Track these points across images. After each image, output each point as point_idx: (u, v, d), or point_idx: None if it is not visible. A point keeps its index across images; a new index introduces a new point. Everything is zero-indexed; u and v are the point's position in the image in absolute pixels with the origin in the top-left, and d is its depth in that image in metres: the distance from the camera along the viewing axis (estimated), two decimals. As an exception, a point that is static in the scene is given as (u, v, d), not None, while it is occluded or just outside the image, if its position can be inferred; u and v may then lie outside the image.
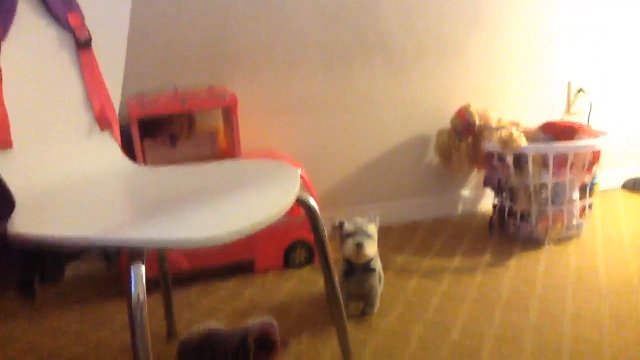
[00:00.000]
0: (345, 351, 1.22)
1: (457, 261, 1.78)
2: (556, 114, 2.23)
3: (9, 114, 1.00)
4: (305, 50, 1.91)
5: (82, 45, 1.15)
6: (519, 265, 1.73)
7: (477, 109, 1.99)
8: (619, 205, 2.18)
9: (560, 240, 1.87)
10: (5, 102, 1.00)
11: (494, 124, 1.97)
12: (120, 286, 1.74)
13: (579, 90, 2.22)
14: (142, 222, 0.83)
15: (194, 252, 1.68)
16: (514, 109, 2.17)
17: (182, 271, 1.69)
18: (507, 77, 2.14)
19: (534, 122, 2.08)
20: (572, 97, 2.23)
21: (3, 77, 1.00)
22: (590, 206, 1.91)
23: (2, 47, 1.01)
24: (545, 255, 1.79)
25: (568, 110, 2.25)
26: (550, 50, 2.15)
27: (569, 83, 2.21)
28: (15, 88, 1.03)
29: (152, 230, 0.78)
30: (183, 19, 1.78)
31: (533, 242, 1.87)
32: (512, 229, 1.95)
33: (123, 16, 1.23)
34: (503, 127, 1.91)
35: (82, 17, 1.15)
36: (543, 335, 1.36)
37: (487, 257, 1.80)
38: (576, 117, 2.22)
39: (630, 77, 2.26)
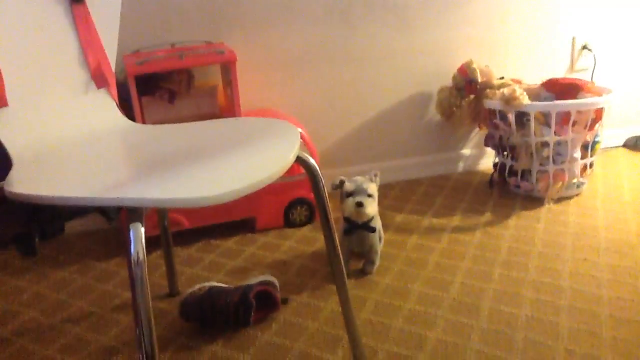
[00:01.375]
0: (345, 308, 1.23)
1: (457, 219, 1.79)
2: (560, 71, 2.20)
3: (3, 71, 0.98)
4: (305, 1, 1.86)
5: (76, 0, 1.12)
6: (518, 223, 1.73)
7: (480, 66, 1.95)
8: (620, 163, 2.17)
9: (561, 199, 1.87)
10: (-1, 59, 0.98)
11: (496, 81, 1.94)
12: (121, 241, 1.75)
13: (583, 47, 2.18)
14: (140, 181, 0.82)
15: (194, 211, 1.68)
16: (516, 65, 2.14)
17: (183, 229, 1.69)
18: (510, 33, 2.10)
19: (536, 79, 2.05)
20: (576, 54, 2.19)
21: (-5, 33, 0.98)
22: (591, 165, 1.90)
23: (-8, 1, 0.99)
24: (545, 213, 1.79)
25: (572, 66, 2.22)
26: (554, 5, 2.10)
27: (573, 39, 2.17)
28: (8, 45, 1.01)
29: (151, 189, 0.77)
30: (179, -28, 1.74)
31: (533, 201, 1.87)
32: (513, 187, 1.95)
33: (117, -31, 1.20)
34: (505, 85, 1.88)
35: (74, -30, 1.12)
36: (542, 291, 1.37)
37: (487, 216, 1.80)
38: (580, 74, 2.19)
39: (635, 35, 2.22)
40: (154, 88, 1.65)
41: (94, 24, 1.16)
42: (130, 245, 0.71)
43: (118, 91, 1.22)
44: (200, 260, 1.62)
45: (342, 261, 1.17)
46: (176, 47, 1.72)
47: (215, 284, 1.37)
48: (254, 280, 1.35)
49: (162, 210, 1.37)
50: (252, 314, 1.26)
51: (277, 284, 1.37)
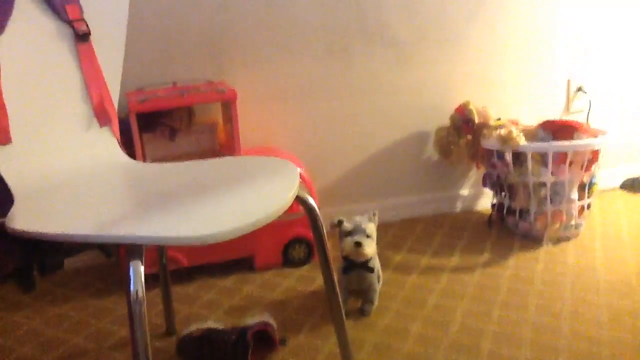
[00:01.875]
0: (344, 348, 1.22)
1: (455, 259, 1.78)
2: (555, 112, 2.23)
3: (8, 108, 1.00)
4: (304, 39, 1.89)
5: (81, 38, 1.15)
6: (517, 263, 1.73)
7: (476, 107, 1.98)
8: (617, 205, 2.18)
9: (559, 240, 1.87)
10: (4, 96, 0.99)
11: (493, 122, 1.96)
12: (120, 278, 1.74)
13: (578, 89, 2.22)
14: (140, 218, 0.82)
15: (193, 248, 1.67)
16: (513, 106, 2.17)
17: (181, 267, 1.68)
18: (507, 74, 2.13)
19: (533, 120, 2.08)
20: (571, 96, 2.23)
21: (1, 72, 0.99)
22: (589, 206, 1.91)
23: (0, 40, 1.01)
24: (544, 253, 1.79)
25: (567, 108, 2.25)
26: (550, 48, 2.15)
27: (568, 81, 2.21)
28: (14, 82, 1.03)
29: (151, 226, 0.78)
30: (181, 12, 1.77)
31: (532, 241, 1.87)
32: (511, 227, 1.95)
33: (122, 9, 1.22)
34: (502, 125, 1.91)
35: (81, 10, 1.15)
36: (541, 332, 1.36)
37: (485, 255, 1.80)
38: (575, 116, 2.22)
39: (629, 77, 2.26)
40: (154, 125, 1.66)
41: (98, 62, 1.18)
42: (129, 282, 0.71)
43: (119, 127, 1.23)
44: (198, 298, 1.61)
45: (341, 301, 1.16)
46: (178, 85, 1.74)
47: (213, 323, 1.36)
48: (252, 319, 1.34)
49: (161, 247, 1.37)
50: (250, 354, 1.25)
51: (275, 324, 1.35)
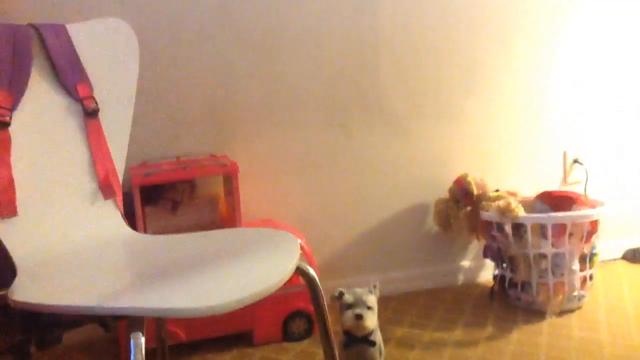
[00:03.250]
0: None
1: (458, 333, 1.75)
2: (553, 184, 2.26)
3: (16, 180, 1.02)
4: (305, 113, 1.95)
5: (90, 115, 1.19)
6: (521, 337, 1.70)
7: (475, 179, 2.01)
8: (620, 276, 2.16)
9: (563, 312, 1.85)
10: (13, 170, 1.02)
11: (491, 194, 1.99)
12: (118, 352, 1.70)
13: (575, 161, 2.26)
14: (141, 290, 0.83)
15: (191, 322, 1.65)
16: (511, 178, 2.20)
17: (179, 341, 1.65)
18: (504, 145, 2.18)
19: (531, 192, 2.10)
20: (568, 167, 2.26)
21: (13, 146, 1.03)
22: (590, 277, 1.90)
23: (13, 116, 1.04)
24: (548, 326, 1.76)
25: (564, 179, 2.28)
26: (545, 120, 2.21)
27: (564, 153, 2.25)
28: (23, 155, 1.06)
29: (151, 298, 0.78)
30: (186, 89, 1.84)
31: (535, 314, 1.85)
32: (514, 300, 1.93)
33: (130, 87, 1.27)
34: (501, 197, 1.93)
35: (91, 88, 1.19)
36: (548, 411, 1.32)
37: (488, 329, 1.77)
38: (573, 187, 2.25)
39: (624, 148, 2.30)
40: (157, 197, 1.69)
41: (105, 137, 1.21)
42: (130, 354, 0.70)
43: (123, 199, 1.25)
44: (196, 374, 1.57)
45: (342, 376, 1.14)
46: (181, 159, 1.78)
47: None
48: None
49: (161, 321, 1.36)
50: None
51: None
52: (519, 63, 2.14)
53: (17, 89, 1.06)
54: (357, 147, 2.03)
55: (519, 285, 1.88)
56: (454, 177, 2.06)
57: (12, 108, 1.05)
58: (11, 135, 1.03)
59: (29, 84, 1.09)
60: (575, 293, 1.85)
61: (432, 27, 2.04)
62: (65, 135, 1.15)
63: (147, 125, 1.82)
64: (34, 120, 1.10)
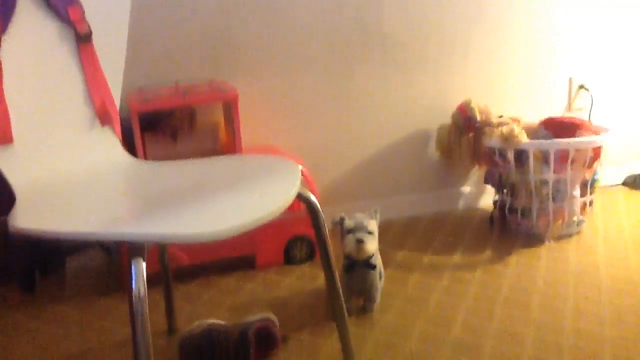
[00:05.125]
0: (346, 346, 1.22)
1: (457, 257, 1.78)
2: (557, 110, 2.23)
3: (10, 108, 1.00)
4: (306, 44, 1.90)
5: (83, 39, 1.15)
6: (519, 261, 1.73)
7: (478, 105, 1.98)
8: (619, 202, 2.18)
9: (561, 237, 1.87)
10: (6, 97, 1.00)
11: (494, 119, 1.96)
12: (121, 278, 1.74)
13: (580, 87, 2.21)
14: (142, 217, 0.83)
15: (194, 247, 1.68)
16: (515, 104, 2.17)
17: (183, 266, 1.69)
18: (508, 73, 2.13)
19: (535, 118, 2.08)
20: (573, 93, 2.23)
21: (3, 72, 1.00)
22: (590, 203, 1.91)
23: (2, 41, 1.01)
24: (546, 252, 1.79)
25: (569, 106, 2.24)
26: (552, 46, 2.15)
27: (570, 79, 2.21)
28: (16, 82, 1.03)
29: (152, 225, 0.78)
30: (184, 13, 1.78)
31: (534, 239, 1.87)
32: (513, 226, 1.95)
33: (123, 10, 1.23)
34: (504, 123, 1.91)
35: (82, 11, 1.15)
36: (544, 331, 1.36)
37: (487, 254, 1.80)
38: (577, 113, 2.22)
39: (631, 74, 2.25)
40: (156, 125, 1.67)
41: (99, 63, 1.18)
42: (131, 280, 0.71)
43: (121, 127, 1.23)
44: (200, 297, 1.61)
45: (343, 299, 1.16)
46: (179, 85, 1.74)
47: (215, 321, 1.36)
48: (253, 317, 1.34)
49: (163, 246, 1.37)
50: (252, 351, 1.25)
51: (277, 322, 1.36)
52: (528, -17, 2.06)
53: (4, 11, 1.02)
54: (359, 78, 1.98)
55: (519, 212, 1.89)
56: (457, 103, 2.03)
57: (1, 31, 1.01)
58: (2, 60, 1.00)
59: (17, 7, 1.05)
60: (575, 218, 1.87)
61: (438, -55, 1.95)
62: (58, 60, 1.12)
63: (144, 50, 1.77)
64: (25, 46, 1.06)
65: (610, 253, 1.75)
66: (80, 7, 1.15)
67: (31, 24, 1.08)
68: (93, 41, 1.17)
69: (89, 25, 1.15)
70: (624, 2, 2.16)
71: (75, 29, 1.14)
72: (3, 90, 1.00)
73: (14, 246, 0.84)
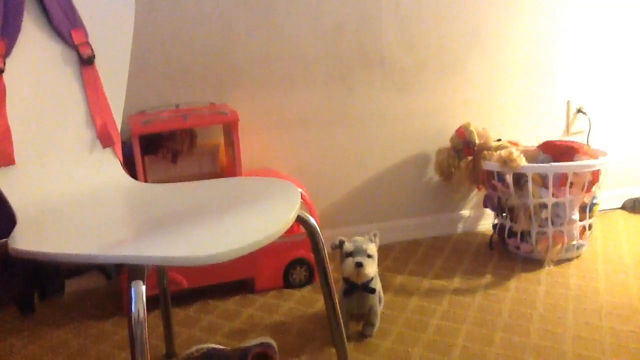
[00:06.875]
0: (345, 371, 1.21)
1: (457, 281, 1.78)
2: (556, 134, 2.24)
3: (12, 129, 1.01)
4: (306, 66, 1.92)
5: (86, 62, 1.16)
6: (519, 286, 1.72)
7: (477, 128, 1.99)
8: (619, 225, 2.17)
9: (561, 261, 1.87)
10: (8, 118, 1.00)
11: (493, 143, 1.97)
12: (120, 301, 1.73)
13: (578, 110, 2.23)
14: (142, 239, 0.83)
15: (193, 270, 1.67)
16: (513, 128, 2.18)
17: (181, 289, 1.68)
18: (507, 96, 2.15)
19: (533, 142, 2.09)
20: (571, 117, 2.24)
21: (7, 93, 1.01)
22: (590, 227, 1.91)
23: (6, 62, 1.02)
24: (546, 275, 1.78)
25: (567, 129, 2.26)
26: (549, 70, 2.17)
27: (568, 102, 2.22)
28: (19, 104, 1.04)
29: (152, 247, 0.78)
30: (184, 37, 1.80)
31: (533, 262, 1.87)
32: (512, 249, 1.95)
33: (126, 33, 1.24)
34: (503, 147, 1.91)
35: (85, 34, 1.16)
36: (544, 356, 1.35)
37: (487, 278, 1.79)
38: (576, 137, 2.23)
39: (629, 98, 2.27)
40: (157, 147, 1.67)
41: (102, 85, 1.19)
42: (131, 303, 0.71)
43: (122, 149, 1.24)
44: (198, 321, 1.60)
45: (342, 323, 1.16)
46: (180, 108, 1.75)
47: (213, 345, 1.35)
48: (252, 342, 1.33)
49: (162, 269, 1.37)
50: (250, 376, 1.24)
51: (276, 347, 1.34)
52: (524, 13, 2.09)
53: (8, 33, 1.03)
54: (358, 100, 2.00)
55: (519, 235, 1.89)
56: (456, 127, 2.04)
57: (5, 54, 1.02)
58: (5, 83, 1.01)
59: (21, 30, 1.06)
60: (574, 242, 1.86)
61: (437, -28, 1.98)
62: (61, 83, 1.13)
63: (145, 74, 1.78)
64: (29, 68, 1.07)
65: (610, 278, 1.74)
66: (84, 30, 1.16)
67: (35, 46, 1.09)
68: (96, 64, 1.18)
69: (92, 49, 1.17)
70: (622, 26, 2.19)
71: (78, 52, 1.15)
72: (6, 112, 1.00)
73: (12, 269, 0.83)
